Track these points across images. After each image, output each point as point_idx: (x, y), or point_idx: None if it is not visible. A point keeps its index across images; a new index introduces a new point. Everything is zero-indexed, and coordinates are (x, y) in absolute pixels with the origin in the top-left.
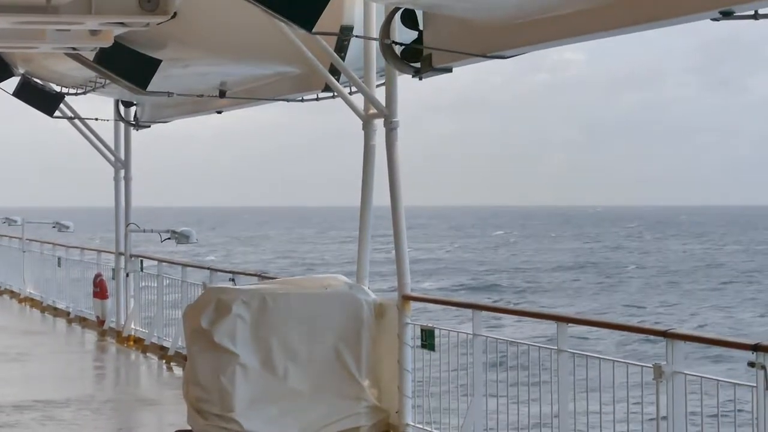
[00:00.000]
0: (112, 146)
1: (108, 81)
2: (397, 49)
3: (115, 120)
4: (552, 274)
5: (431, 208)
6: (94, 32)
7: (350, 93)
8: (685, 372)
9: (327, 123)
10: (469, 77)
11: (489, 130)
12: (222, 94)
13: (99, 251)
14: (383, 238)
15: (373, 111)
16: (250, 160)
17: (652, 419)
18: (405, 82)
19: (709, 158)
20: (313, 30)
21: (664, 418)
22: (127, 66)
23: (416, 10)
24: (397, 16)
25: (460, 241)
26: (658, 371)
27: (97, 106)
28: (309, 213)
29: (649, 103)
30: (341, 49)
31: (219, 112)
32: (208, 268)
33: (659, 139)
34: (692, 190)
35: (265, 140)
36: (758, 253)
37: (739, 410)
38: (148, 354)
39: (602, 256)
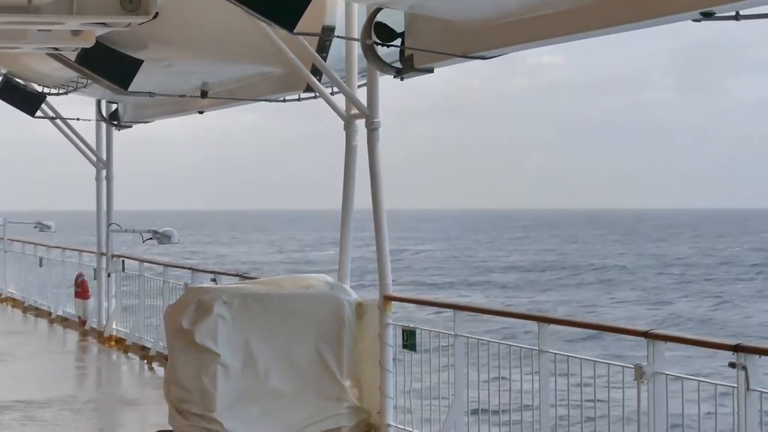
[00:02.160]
0: (94, 146)
1: (90, 81)
2: (379, 50)
3: (97, 120)
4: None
5: (409, 211)
6: (75, 32)
7: (332, 93)
8: (666, 372)
9: (309, 124)
10: (447, 80)
11: (467, 133)
12: (204, 94)
13: (80, 251)
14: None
15: (354, 111)
16: (231, 161)
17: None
18: (384, 84)
19: (689, 161)
20: (295, 30)
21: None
22: (109, 66)
23: (397, 12)
24: (378, 18)
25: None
26: (639, 372)
27: (79, 107)
28: (292, 216)
29: (629, 106)
30: (323, 49)
31: (201, 113)
32: (190, 268)
33: (639, 141)
34: (672, 192)
35: (246, 142)
36: None
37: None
38: (129, 354)
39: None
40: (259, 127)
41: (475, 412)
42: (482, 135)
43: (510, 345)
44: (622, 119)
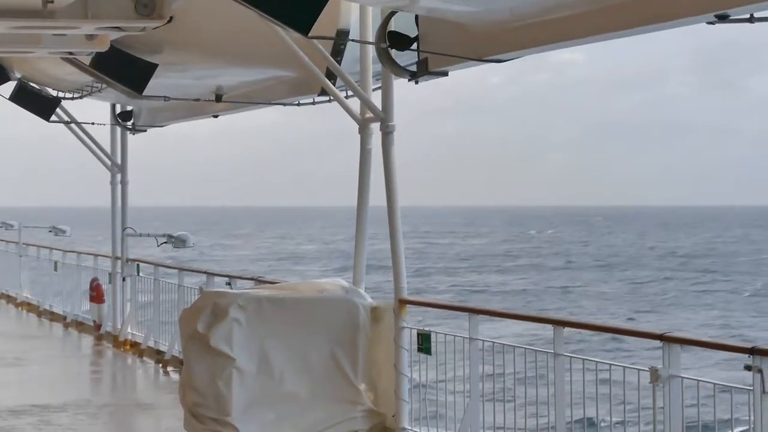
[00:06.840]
0: (109, 150)
1: (104, 85)
2: (393, 53)
3: (112, 124)
4: None
5: (426, 208)
6: (90, 37)
7: (347, 97)
8: (682, 375)
9: (326, 123)
10: (468, 77)
11: (488, 131)
12: (218, 98)
13: (95, 255)
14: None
15: (369, 115)
16: (248, 160)
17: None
18: (402, 82)
19: (709, 158)
20: (310, 34)
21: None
22: (124, 70)
23: (411, 15)
24: (393, 21)
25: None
26: (655, 375)
27: (94, 110)
28: (312, 213)
29: (650, 102)
30: (337, 53)
31: (215, 116)
32: (205, 272)
33: (659, 139)
34: (693, 189)
35: (263, 140)
36: None
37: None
38: (144, 358)
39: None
40: (277, 123)
41: (490, 413)
42: (503, 132)
43: (525, 348)
44: (644, 116)
